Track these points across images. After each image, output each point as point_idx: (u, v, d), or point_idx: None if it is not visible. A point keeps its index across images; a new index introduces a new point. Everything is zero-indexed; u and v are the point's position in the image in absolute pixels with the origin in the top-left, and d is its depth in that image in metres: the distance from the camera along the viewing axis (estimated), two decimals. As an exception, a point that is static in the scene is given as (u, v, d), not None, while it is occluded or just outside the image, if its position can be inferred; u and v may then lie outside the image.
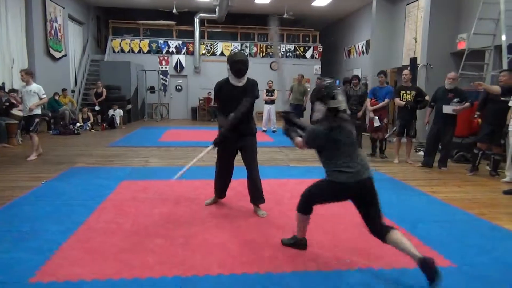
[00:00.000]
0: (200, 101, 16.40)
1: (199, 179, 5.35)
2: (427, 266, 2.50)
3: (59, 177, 5.47)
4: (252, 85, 3.93)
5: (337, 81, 9.81)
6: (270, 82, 11.80)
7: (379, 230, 2.73)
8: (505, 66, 7.04)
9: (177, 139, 9.77)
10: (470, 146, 7.22)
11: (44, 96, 6.92)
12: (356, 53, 16.24)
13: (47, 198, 4.42)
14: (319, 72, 17.05)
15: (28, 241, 3.15)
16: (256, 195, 4.02)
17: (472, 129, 7.41)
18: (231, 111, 3.79)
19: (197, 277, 2.64)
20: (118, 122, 12.31)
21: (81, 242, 3.17)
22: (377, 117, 7.31)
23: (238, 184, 4.49)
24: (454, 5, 10.05)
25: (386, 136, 7.82)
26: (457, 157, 7.26)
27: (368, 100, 7.60)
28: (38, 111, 6.94)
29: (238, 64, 3.79)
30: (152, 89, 15.87)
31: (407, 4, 12.18)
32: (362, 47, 15.69)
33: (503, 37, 7.31)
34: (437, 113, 6.40)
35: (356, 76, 8.20)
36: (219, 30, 17.19)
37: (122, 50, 16.09)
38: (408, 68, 9.26)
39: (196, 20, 16.05)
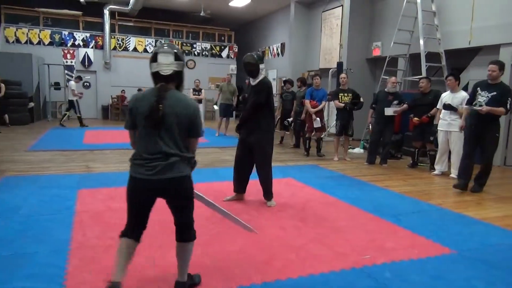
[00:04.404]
0: (113, 99, 15.29)
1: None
2: None
3: (-3, 188, 4.67)
4: (258, 88, 4.27)
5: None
6: (197, 81, 11.60)
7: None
8: (424, 73, 8.05)
9: (103, 141, 9.02)
10: (396, 143, 8.09)
11: None
12: (271, 55, 16.82)
13: (3, 214, 3.76)
14: (235, 72, 17.24)
15: (23, 268, 2.65)
16: (264, 191, 4.44)
17: (398, 128, 8.29)
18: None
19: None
20: None
21: (88, 263, 2.78)
22: (318, 118, 7.72)
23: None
24: (367, 15, 11.10)
25: (322, 136, 8.31)
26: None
27: (307, 101, 7.94)
28: None
29: (247, 66, 4.28)
30: (57, 85, 14.30)
31: (323, 11, 13.05)
32: (277, 49, 16.32)
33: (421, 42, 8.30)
34: (379, 114, 7.02)
35: (300, 79, 8.67)
36: (131, 24, 16.24)
37: (18, 41, 14.17)
38: (319, 72, 9.96)
39: (106, 12, 14.91)
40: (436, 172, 6.45)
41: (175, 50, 2.23)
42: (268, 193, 4.40)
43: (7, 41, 14.00)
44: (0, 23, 14.21)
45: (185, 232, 2.37)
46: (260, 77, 4.28)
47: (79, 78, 12.95)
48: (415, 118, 6.63)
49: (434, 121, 6.49)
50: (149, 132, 2.15)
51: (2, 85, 11.03)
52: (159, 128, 2.13)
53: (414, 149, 6.88)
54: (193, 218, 2.40)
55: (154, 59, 2.20)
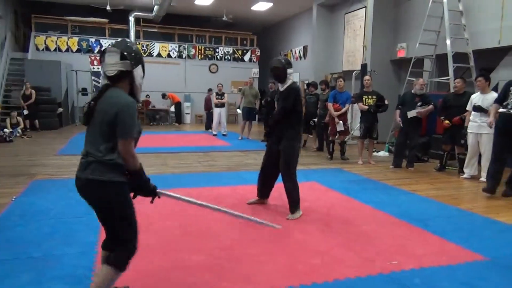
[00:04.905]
0: (138, 104, 15.56)
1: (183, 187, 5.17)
2: None
3: (27, 192, 4.82)
4: (285, 94, 4.10)
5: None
6: (220, 85, 11.68)
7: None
8: (451, 74, 7.85)
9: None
10: (423, 145, 7.89)
11: None
12: (293, 58, 16.77)
13: (33, 216, 3.87)
14: (258, 76, 17.26)
15: (52, 269, 2.72)
16: (289, 201, 4.15)
17: (425, 130, 8.07)
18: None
19: (269, 292, 2.52)
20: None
21: (115, 265, 2.83)
22: (341, 122, 7.63)
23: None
24: (392, 17, 10.92)
25: (346, 139, 8.20)
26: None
27: (330, 104, 7.84)
28: None
29: (273, 71, 4.17)
30: (84, 91, 14.70)
31: (345, 13, 12.93)
32: (299, 52, 16.27)
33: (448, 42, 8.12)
34: (405, 116, 6.86)
35: (324, 81, 8.62)
36: (155, 30, 16.54)
37: (47, 48, 14.65)
38: (347, 74, 9.82)
39: (131, 19, 15.22)
40: (465, 175, 6.26)
41: (123, 50, 2.08)
42: (293, 204, 4.08)
43: (37, 49, 14.50)
44: (30, 31, 14.75)
45: (115, 251, 2.16)
46: (289, 82, 4.10)
47: None
48: (446, 121, 6.44)
49: (465, 124, 6.30)
50: (87, 129, 2.15)
51: (33, 91, 11.44)
52: (87, 125, 2.12)
53: (443, 152, 6.69)
54: (127, 237, 2.18)
55: (102, 58, 2.12)
